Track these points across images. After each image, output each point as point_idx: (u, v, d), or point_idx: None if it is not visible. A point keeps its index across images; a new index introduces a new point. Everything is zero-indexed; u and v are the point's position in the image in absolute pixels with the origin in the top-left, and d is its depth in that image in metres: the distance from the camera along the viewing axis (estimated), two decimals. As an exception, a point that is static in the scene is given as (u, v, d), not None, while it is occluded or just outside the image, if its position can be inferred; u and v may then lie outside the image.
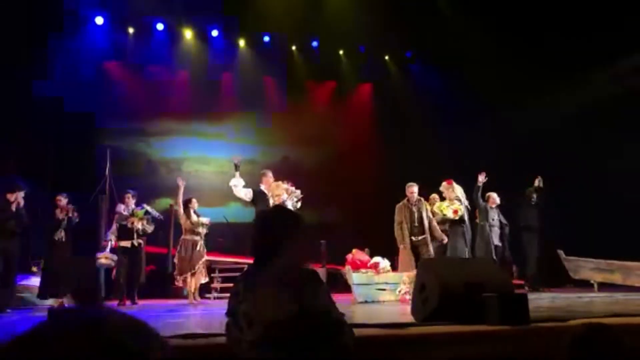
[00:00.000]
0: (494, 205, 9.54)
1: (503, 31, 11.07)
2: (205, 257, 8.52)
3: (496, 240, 9.40)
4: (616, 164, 10.14)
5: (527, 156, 11.45)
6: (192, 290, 8.35)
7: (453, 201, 8.65)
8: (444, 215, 8.59)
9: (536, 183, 10.11)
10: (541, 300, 7.02)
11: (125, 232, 8.51)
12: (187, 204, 8.51)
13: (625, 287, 8.71)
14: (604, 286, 9.11)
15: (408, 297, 6.70)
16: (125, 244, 8.48)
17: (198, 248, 8.43)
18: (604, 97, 10.55)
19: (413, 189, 8.18)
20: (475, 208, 9.31)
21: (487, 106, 11.82)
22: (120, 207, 8.53)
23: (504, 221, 9.66)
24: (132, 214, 8.44)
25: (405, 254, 7.98)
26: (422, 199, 8.31)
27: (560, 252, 9.81)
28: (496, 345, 3.38)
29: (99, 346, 0.69)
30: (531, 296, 4.92)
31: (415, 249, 8.00)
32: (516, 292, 4.83)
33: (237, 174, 8.01)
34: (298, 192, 8.13)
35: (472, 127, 11.98)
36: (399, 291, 7.96)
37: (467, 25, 11.46)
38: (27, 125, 10.07)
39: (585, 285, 9.42)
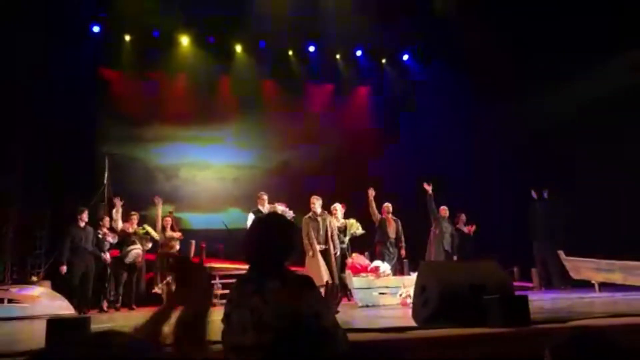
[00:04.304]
0: (446, 216, 10.19)
1: (502, 29, 11.02)
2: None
3: (447, 247, 10.05)
4: (624, 159, 10.12)
5: (529, 155, 11.46)
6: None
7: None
8: (355, 232, 9.16)
9: (534, 195, 10.79)
10: (543, 302, 7.00)
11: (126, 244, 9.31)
12: (163, 220, 9.47)
13: (626, 286, 8.68)
14: (605, 286, 9.08)
15: (409, 300, 6.68)
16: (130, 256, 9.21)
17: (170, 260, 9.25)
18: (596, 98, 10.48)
19: (314, 201, 8.50)
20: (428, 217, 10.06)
21: (485, 106, 11.82)
22: (126, 225, 9.36)
23: (454, 232, 10.29)
24: (135, 233, 9.34)
25: (314, 263, 8.08)
26: (326, 211, 8.62)
27: (561, 253, 9.79)
28: (497, 347, 3.35)
29: None
30: (533, 297, 4.89)
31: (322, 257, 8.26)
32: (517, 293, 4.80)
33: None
34: (291, 213, 8.69)
35: (470, 128, 11.97)
36: (400, 294, 7.95)
37: (464, 25, 11.42)
38: (24, 133, 10.05)
39: (586, 285, 9.39)
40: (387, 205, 9.65)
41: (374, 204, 9.47)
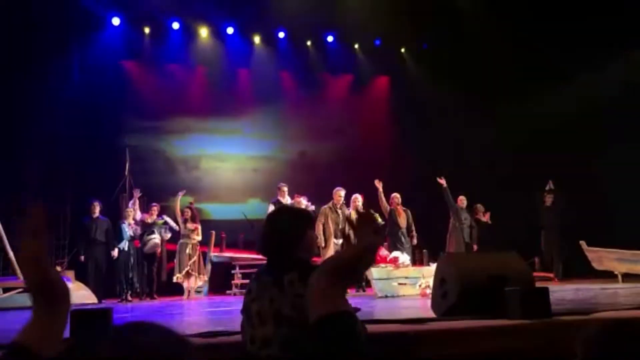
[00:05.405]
0: (463, 206, 10.22)
1: (502, 29, 10.91)
2: (194, 259, 9.46)
3: (466, 238, 10.09)
4: (624, 159, 10.01)
5: (529, 155, 11.35)
6: (188, 288, 9.40)
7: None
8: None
9: (547, 187, 10.71)
10: (565, 293, 6.92)
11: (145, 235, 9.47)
12: (182, 212, 9.62)
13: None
14: (628, 277, 8.97)
15: (428, 291, 6.67)
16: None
17: (188, 251, 9.38)
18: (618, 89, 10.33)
19: (341, 193, 8.58)
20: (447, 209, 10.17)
21: (503, 99, 11.70)
22: (144, 216, 9.55)
23: (473, 224, 10.29)
24: (154, 223, 9.49)
25: (327, 253, 8.13)
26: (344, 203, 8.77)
27: (583, 243, 9.67)
28: (517, 339, 3.33)
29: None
30: (554, 288, 4.85)
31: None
32: (537, 285, 4.76)
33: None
34: (312, 207, 8.72)
35: (487, 121, 11.89)
36: (419, 285, 7.94)
37: (483, 17, 11.31)
38: (46, 126, 10.18)
39: (608, 276, 9.28)
40: (396, 196, 9.60)
41: (383, 196, 9.49)
